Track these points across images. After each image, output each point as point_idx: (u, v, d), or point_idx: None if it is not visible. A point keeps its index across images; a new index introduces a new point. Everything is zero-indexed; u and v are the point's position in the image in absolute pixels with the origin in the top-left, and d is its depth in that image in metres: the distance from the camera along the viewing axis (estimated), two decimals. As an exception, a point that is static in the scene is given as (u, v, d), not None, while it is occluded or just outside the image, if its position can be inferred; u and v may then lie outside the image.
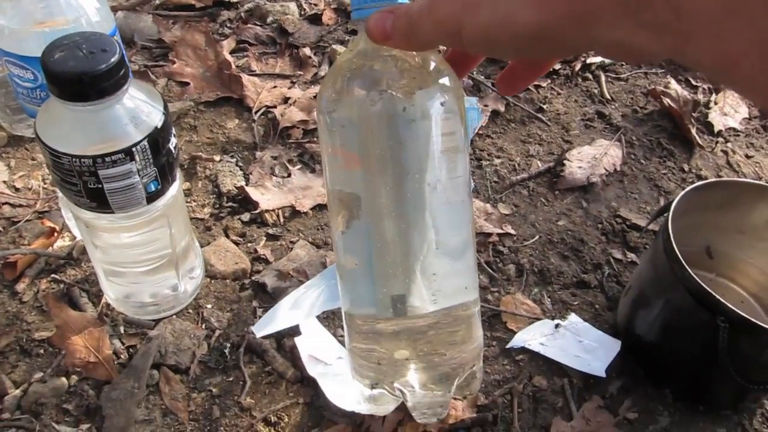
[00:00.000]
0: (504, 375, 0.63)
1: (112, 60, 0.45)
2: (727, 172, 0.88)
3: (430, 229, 0.42)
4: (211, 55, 0.93)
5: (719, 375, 0.57)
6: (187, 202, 0.74)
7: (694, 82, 1.01)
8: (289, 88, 0.92)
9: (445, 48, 0.42)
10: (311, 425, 0.58)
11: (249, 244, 0.72)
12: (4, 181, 0.75)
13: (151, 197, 0.52)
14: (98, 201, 0.50)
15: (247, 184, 0.77)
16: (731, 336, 0.52)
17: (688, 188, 0.61)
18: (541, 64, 0.39)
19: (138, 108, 0.49)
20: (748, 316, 0.52)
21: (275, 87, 0.91)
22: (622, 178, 0.85)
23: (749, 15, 0.21)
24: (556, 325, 0.66)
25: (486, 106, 0.91)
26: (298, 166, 0.81)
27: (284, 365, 0.61)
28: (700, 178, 0.86)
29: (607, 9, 0.25)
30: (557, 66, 0.99)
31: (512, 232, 0.76)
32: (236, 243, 0.71)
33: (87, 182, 0.48)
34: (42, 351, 0.61)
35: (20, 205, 0.72)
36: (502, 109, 0.91)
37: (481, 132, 0.88)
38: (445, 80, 0.40)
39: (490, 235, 0.75)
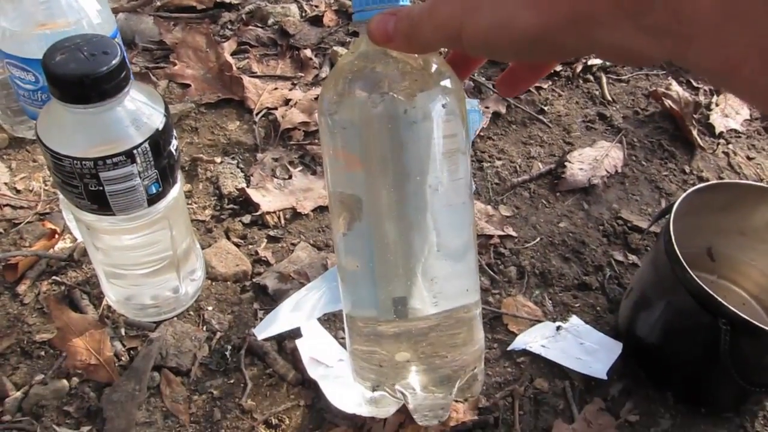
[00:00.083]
0: (505, 377, 0.63)
1: (114, 62, 0.45)
2: (728, 174, 0.88)
3: (431, 231, 0.42)
4: (212, 56, 0.93)
5: (721, 377, 0.57)
6: (188, 204, 0.74)
7: (695, 84, 1.01)
8: (290, 89, 0.92)
9: (446, 50, 0.42)
10: (312, 428, 0.58)
11: (250, 246, 0.72)
12: (5, 183, 0.75)
13: (152, 199, 0.52)
14: (99, 203, 0.50)
15: (248, 186, 0.77)
16: (733, 338, 0.52)
17: (690, 190, 0.61)
18: (542, 66, 0.39)
19: (139, 110, 0.49)
20: (749, 318, 0.52)
21: (276, 89, 0.91)
22: (624, 180, 0.85)
23: (750, 19, 0.21)
24: (558, 327, 0.66)
25: (487, 107, 0.91)
26: (299, 168, 0.81)
27: (285, 367, 0.61)
28: (701, 179, 0.86)
29: (608, 12, 0.25)
30: (558, 67, 0.99)
31: (513, 233, 0.76)
32: (237, 245, 0.71)
33: (88, 184, 0.48)
34: (43, 353, 0.61)
35: (21, 207, 0.72)
36: (503, 110, 0.91)
37: (482, 134, 0.88)
38: (446, 82, 0.40)
39: (491, 236, 0.75)
